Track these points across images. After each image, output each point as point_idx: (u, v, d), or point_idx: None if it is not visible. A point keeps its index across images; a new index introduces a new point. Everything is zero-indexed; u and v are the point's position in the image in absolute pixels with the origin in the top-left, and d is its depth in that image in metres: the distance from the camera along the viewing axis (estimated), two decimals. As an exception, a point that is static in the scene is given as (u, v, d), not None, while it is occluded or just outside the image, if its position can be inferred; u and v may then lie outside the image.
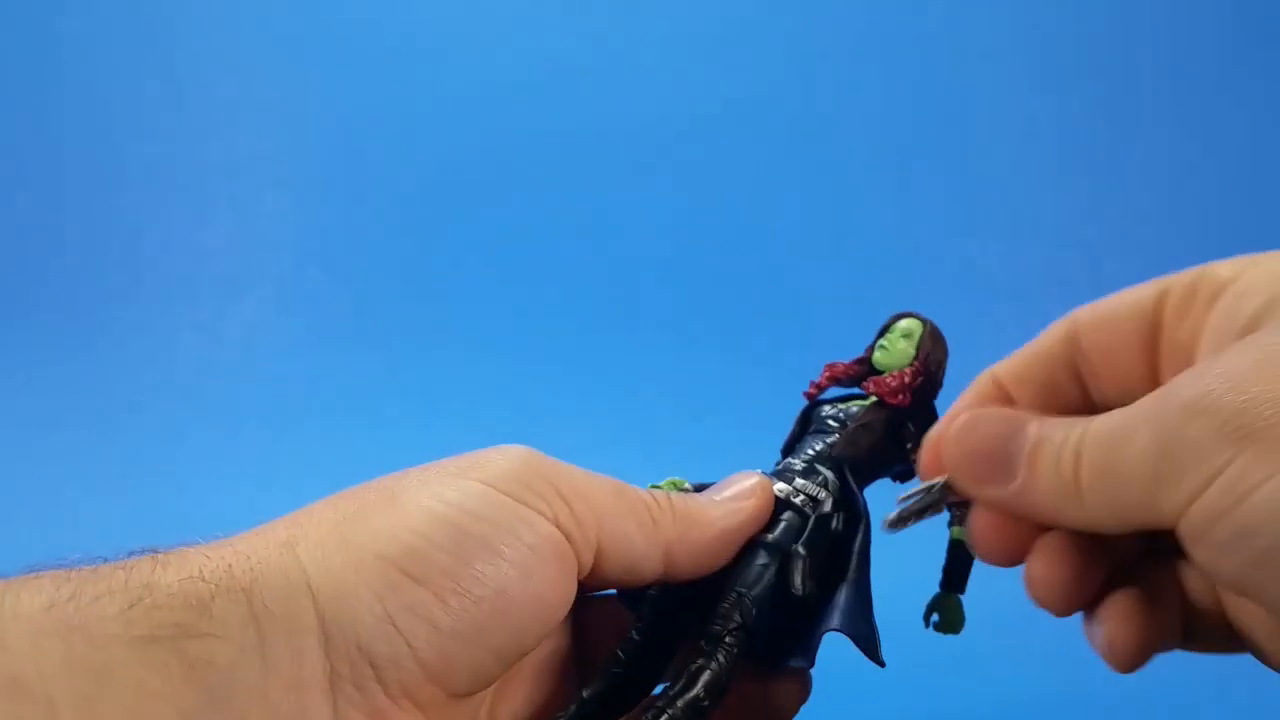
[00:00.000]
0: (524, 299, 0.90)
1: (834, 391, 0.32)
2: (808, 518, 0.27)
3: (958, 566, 0.30)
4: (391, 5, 0.94)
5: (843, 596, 0.26)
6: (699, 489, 0.28)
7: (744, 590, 0.25)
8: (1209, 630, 0.26)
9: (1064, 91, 0.89)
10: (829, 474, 0.28)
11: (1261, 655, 0.25)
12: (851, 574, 0.27)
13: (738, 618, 0.25)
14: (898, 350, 0.30)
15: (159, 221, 0.93)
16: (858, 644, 0.25)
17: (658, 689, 0.26)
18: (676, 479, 0.28)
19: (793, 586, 0.25)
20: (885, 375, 0.30)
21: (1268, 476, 0.17)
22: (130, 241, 0.93)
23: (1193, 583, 0.26)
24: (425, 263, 0.92)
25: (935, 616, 0.30)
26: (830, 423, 0.30)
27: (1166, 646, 0.26)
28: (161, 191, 0.94)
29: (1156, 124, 0.88)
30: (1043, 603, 0.25)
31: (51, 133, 0.94)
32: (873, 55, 0.91)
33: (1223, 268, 0.23)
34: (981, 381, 0.27)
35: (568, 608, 0.22)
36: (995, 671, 0.63)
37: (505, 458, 0.22)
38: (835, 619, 0.25)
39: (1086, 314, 0.26)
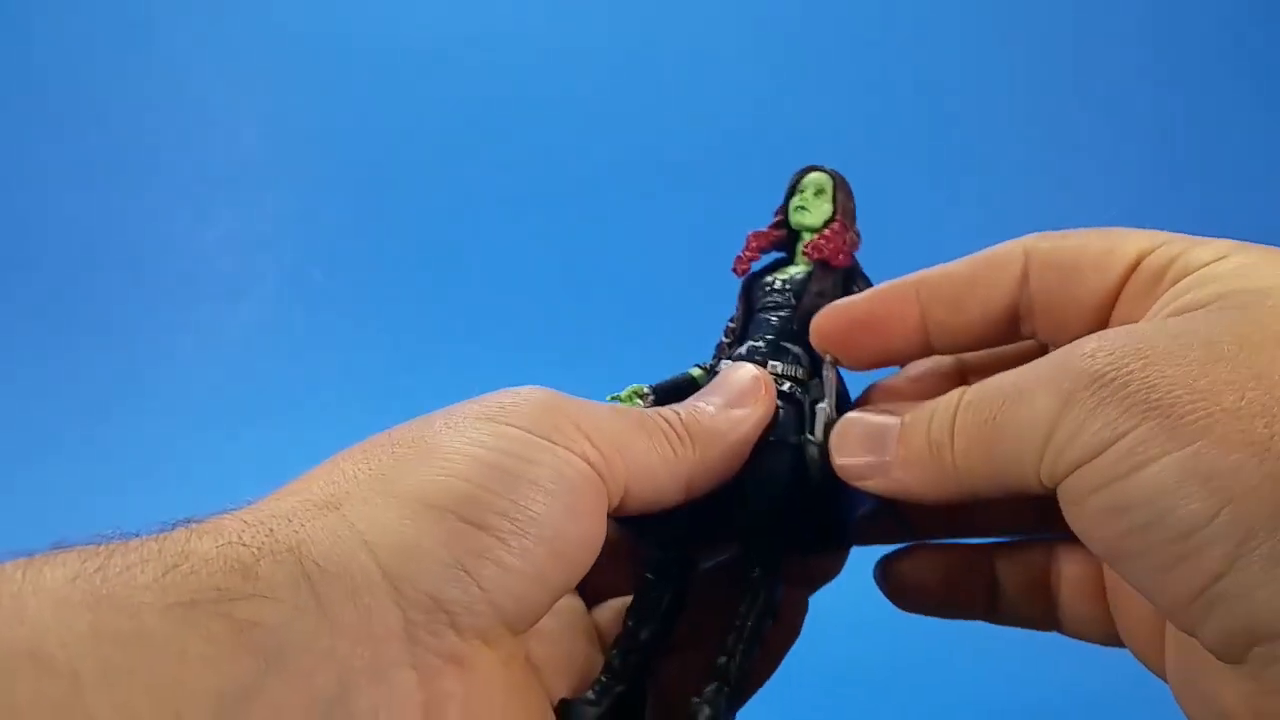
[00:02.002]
0: (525, 299, 0.90)
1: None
2: (801, 404, 0.26)
3: None
4: (391, 6, 0.94)
5: None
6: (657, 392, 0.27)
7: (770, 492, 0.25)
8: (1019, 610, 0.26)
9: (1065, 91, 0.90)
10: (799, 350, 0.27)
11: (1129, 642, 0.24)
12: None
13: (771, 521, 0.25)
14: (815, 208, 0.30)
15: (159, 221, 0.93)
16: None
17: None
18: (637, 386, 0.27)
19: (810, 479, 0.25)
20: (817, 238, 0.29)
21: (1163, 453, 0.17)
22: (130, 241, 0.93)
23: (1013, 567, 0.26)
24: (425, 262, 0.92)
25: None
26: (778, 296, 0.29)
27: (968, 613, 0.26)
28: (161, 191, 0.93)
29: (1158, 124, 0.88)
30: None
31: (52, 133, 0.93)
32: (873, 55, 0.92)
33: (1206, 251, 0.21)
34: (901, 288, 0.26)
35: (603, 542, 0.22)
36: (996, 672, 0.63)
37: (529, 401, 0.22)
38: (867, 502, 0.25)
39: (1044, 251, 0.24)
